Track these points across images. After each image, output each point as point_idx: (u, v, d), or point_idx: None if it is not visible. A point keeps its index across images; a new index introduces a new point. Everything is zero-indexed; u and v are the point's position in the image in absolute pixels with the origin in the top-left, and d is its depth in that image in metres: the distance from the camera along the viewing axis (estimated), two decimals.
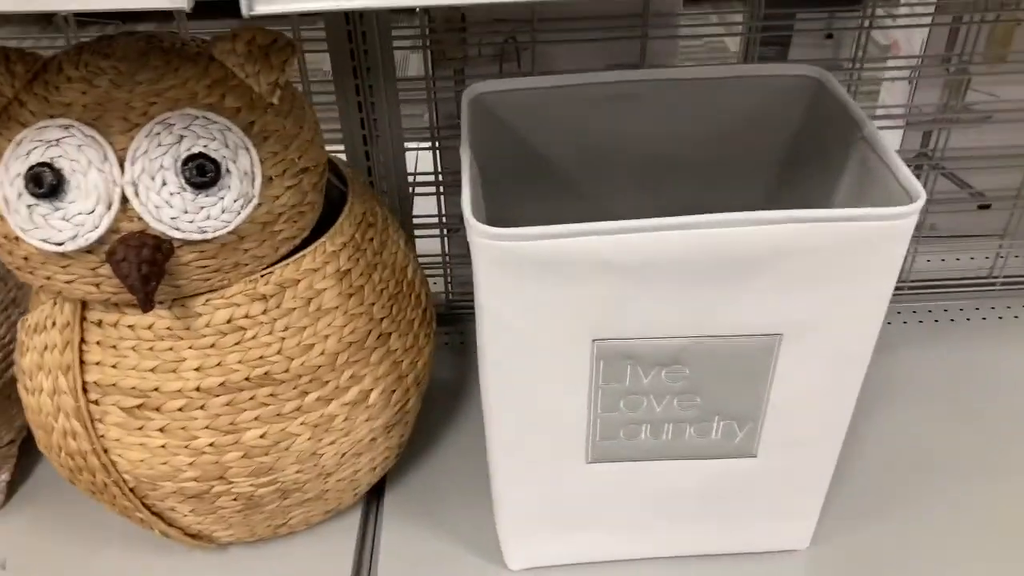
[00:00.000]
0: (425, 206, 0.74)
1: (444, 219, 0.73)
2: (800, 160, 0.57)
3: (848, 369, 0.48)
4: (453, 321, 0.78)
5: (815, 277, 0.44)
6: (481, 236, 0.42)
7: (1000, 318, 0.77)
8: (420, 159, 0.73)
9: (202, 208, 0.44)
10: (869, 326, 0.46)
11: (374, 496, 0.63)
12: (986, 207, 0.81)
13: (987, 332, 0.75)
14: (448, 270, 0.76)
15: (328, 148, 0.70)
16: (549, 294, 0.43)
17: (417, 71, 0.67)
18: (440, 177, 0.71)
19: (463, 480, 0.63)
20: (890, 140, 0.48)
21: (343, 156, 0.68)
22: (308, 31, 0.65)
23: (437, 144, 0.69)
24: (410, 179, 0.71)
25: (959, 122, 0.74)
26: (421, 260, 0.76)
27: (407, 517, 0.61)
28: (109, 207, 0.43)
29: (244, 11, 0.31)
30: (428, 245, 0.75)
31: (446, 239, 0.75)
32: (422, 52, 0.66)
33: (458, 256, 0.76)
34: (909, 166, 0.45)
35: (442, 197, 0.72)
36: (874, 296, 0.45)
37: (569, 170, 0.59)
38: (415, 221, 0.74)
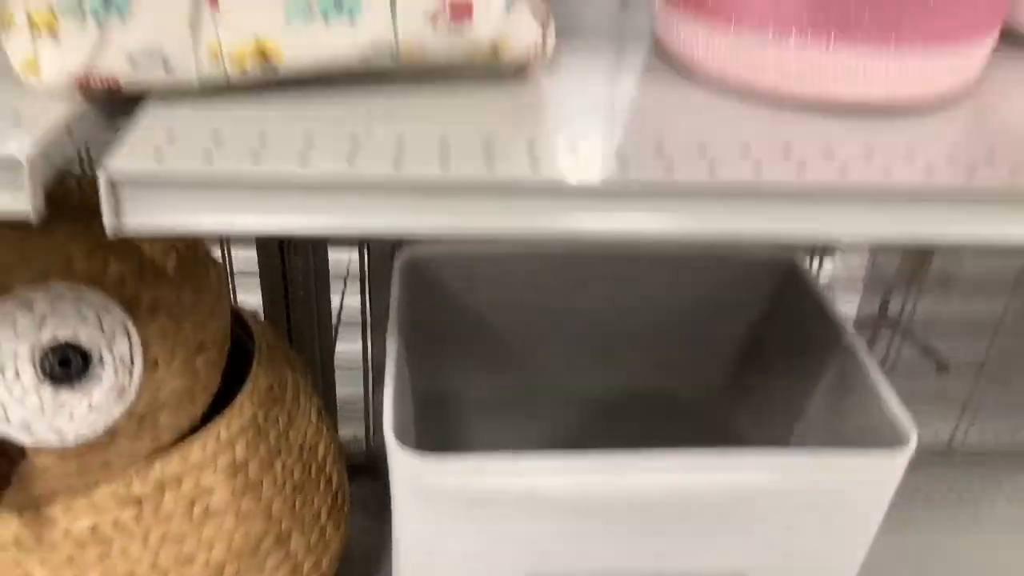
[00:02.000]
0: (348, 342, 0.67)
1: (371, 357, 0.66)
2: (771, 348, 0.51)
3: None
4: (375, 474, 0.69)
5: (788, 518, 0.38)
6: (407, 466, 0.35)
7: (960, 497, 0.72)
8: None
9: (62, 407, 0.36)
10: (849, 563, 0.40)
11: None
12: (944, 368, 0.77)
13: (948, 513, 0.70)
14: (371, 414, 0.68)
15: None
16: (482, 531, 0.36)
17: None
18: (368, 317, 0.64)
19: None
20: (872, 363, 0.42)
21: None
22: None
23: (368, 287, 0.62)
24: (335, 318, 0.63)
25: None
26: (340, 401, 0.68)
27: None
28: None
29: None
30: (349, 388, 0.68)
31: (371, 379, 0.67)
32: None
33: None
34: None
35: (368, 339, 0.65)
36: (856, 534, 0.39)
37: (516, 338, 0.53)
38: (336, 360, 0.66)
